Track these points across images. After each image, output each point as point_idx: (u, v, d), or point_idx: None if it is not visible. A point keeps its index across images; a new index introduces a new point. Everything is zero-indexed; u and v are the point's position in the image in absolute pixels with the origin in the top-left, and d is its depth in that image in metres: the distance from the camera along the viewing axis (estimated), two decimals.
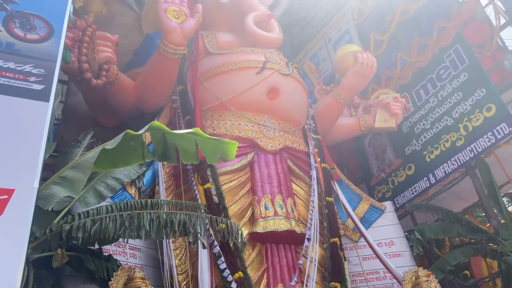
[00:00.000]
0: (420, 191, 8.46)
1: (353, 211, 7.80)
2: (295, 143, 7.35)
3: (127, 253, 5.71)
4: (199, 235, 4.18)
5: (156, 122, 4.09)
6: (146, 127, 3.85)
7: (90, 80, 5.87)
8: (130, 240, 5.76)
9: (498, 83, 7.64)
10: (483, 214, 10.08)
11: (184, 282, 5.56)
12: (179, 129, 6.76)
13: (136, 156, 3.98)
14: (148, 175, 6.39)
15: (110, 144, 3.90)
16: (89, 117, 8.09)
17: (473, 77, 7.77)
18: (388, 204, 8.24)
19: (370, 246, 6.95)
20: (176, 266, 5.64)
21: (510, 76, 7.65)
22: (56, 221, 3.94)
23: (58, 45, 3.86)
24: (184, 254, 5.83)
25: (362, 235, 7.11)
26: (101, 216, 3.80)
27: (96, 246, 4.77)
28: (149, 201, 4.44)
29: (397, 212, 8.91)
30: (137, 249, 5.87)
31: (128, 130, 3.79)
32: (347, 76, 8.04)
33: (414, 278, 6.23)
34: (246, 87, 6.90)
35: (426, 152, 8.46)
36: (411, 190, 8.64)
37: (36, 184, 3.03)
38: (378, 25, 10.21)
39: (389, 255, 7.43)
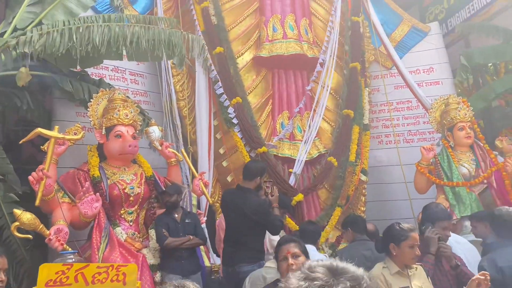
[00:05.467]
0: (478, 8, 7.02)
1: (391, 34, 6.81)
2: None
3: (127, 78, 5.53)
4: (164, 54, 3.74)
5: None
6: None
7: None
8: (130, 65, 5.60)
9: None
10: None
11: (185, 108, 5.39)
12: None
13: None
14: None
15: None
16: None
17: None
18: (434, 25, 7.04)
19: (399, 71, 6.15)
20: (177, 92, 5.43)
21: None
22: (5, 36, 3.68)
23: None
24: (187, 80, 5.55)
25: (391, 59, 6.25)
26: (48, 30, 3.45)
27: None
28: (122, 16, 3.99)
29: (449, 36, 7.70)
30: (139, 75, 5.66)
31: None
32: None
33: (443, 106, 5.55)
34: None
35: None
36: (468, 8, 7.21)
37: None
38: None
39: (426, 82, 6.65)
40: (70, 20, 3.72)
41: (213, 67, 5.16)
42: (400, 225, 2.64)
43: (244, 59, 5.45)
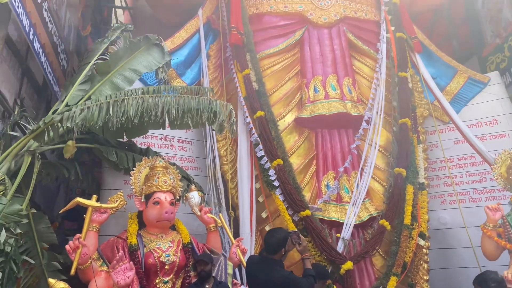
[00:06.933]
0: None
1: (445, 87, 6.49)
2: (359, 12, 6.14)
3: (175, 146, 5.71)
4: (205, 121, 3.83)
5: None
6: None
7: None
8: (178, 133, 5.79)
9: None
10: None
11: (229, 173, 5.40)
12: (222, 15, 6.19)
13: None
14: (195, 69, 6.10)
15: None
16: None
17: None
18: (494, 75, 6.59)
19: (456, 125, 5.75)
20: (221, 157, 5.49)
21: None
22: (50, 112, 3.99)
23: None
24: (231, 145, 5.60)
25: (446, 113, 5.89)
26: (89, 105, 3.69)
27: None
28: (160, 87, 4.19)
29: None
30: (187, 142, 5.84)
31: None
32: None
33: (509, 160, 5.01)
34: None
35: None
36: None
37: None
38: None
39: (489, 136, 6.13)
40: (113, 94, 3.97)
41: (254, 131, 5.18)
42: None
43: (286, 121, 5.43)
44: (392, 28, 6.20)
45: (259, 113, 5.19)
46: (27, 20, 4.17)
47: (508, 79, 7.20)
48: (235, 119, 3.81)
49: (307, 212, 4.73)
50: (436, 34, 8.85)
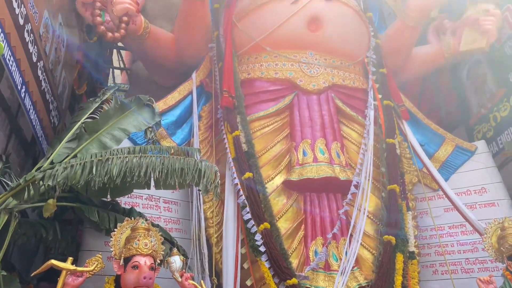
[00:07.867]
0: None
1: (434, 154, 6.56)
2: (347, 80, 6.33)
3: (161, 206, 5.60)
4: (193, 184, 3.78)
5: None
6: None
7: (105, 34, 5.77)
8: (164, 194, 5.70)
9: None
10: None
11: (216, 235, 5.26)
12: (215, 79, 6.36)
13: None
14: (186, 129, 6.16)
15: None
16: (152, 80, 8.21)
17: None
18: (480, 144, 6.70)
19: (445, 193, 5.73)
20: (207, 219, 5.37)
21: None
22: (33, 170, 3.93)
23: None
24: (218, 206, 5.50)
25: (435, 180, 5.89)
26: (72, 163, 3.65)
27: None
28: (147, 147, 4.18)
29: (500, 155, 7.22)
30: (173, 203, 5.73)
31: None
32: None
33: (499, 231, 4.93)
34: (281, 21, 6.10)
35: None
36: None
37: None
38: None
39: (479, 204, 6.09)
40: (98, 153, 3.93)
41: (241, 193, 5.11)
42: None
43: (274, 183, 5.40)
44: (380, 96, 6.37)
45: (247, 174, 5.16)
46: (20, 78, 4.24)
47: (495, 148, 7.30)
48: (219, 181, 3.75)
49: (294, 280, 4.54)
50: (423, 102, 9.08)
